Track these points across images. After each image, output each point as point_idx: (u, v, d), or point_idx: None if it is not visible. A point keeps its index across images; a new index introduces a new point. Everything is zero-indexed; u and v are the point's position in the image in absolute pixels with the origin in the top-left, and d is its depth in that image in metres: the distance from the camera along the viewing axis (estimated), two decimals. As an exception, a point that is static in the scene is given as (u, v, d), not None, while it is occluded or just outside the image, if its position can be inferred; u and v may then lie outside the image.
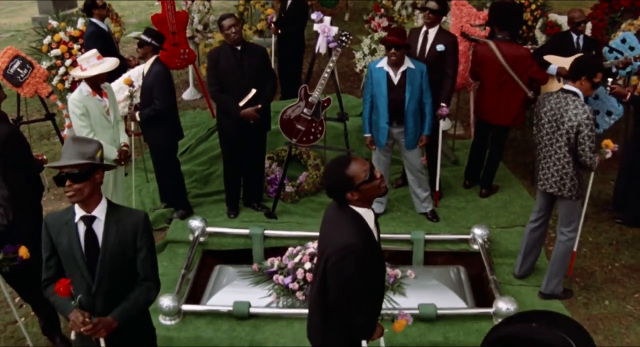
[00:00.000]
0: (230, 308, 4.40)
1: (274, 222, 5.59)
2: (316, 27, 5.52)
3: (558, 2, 8.85)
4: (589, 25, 7.01)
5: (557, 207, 4.58)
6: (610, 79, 5.14)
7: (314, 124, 5.43)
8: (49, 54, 6.70)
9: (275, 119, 5.80)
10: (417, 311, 4.28)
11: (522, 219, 5.50)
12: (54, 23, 6.82)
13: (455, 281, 4.76)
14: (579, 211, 4.51)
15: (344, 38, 5.41)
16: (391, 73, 5.10)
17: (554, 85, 5.73)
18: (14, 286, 4.18)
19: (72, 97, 4.76)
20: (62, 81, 6.75)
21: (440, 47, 5.37)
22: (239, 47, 5.19)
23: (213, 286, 4.75)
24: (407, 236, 5.13)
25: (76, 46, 6.70)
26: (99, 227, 2.82)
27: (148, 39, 5.21)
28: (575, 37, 5.95)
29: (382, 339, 3.21)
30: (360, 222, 2.80)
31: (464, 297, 4.58)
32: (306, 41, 8.27)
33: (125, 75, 5.85)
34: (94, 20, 6.40)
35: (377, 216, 3.02)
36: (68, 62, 6.67)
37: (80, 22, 6.79)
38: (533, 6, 7.56)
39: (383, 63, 5.13)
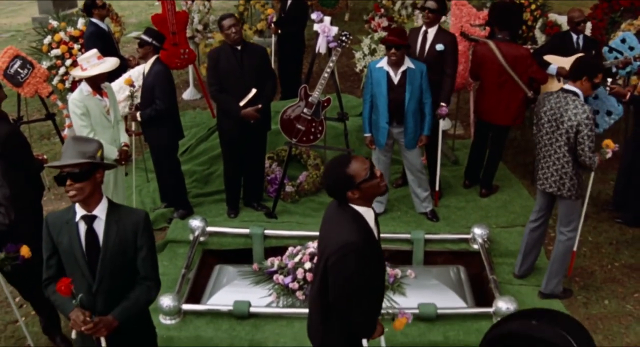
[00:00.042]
0: (231, 308, 4.41)
1: (274, 222, 5.60)
2: (316, 27, 5.52)
3: (558, 2, 8.86)
4: (589, 25, 7.02)
5: (557, 206, 4.58)
6: (609, 79, 5.15)
7: (314, 124, 5.43)
8: (49, 54, 6.71)
9: (275, 119, 5.81)
10: (417, 311, 4.28)
11: (522, 218, 5.51)
12: (55, 23, 6.82)
13: (455, 281, 4.76)
14: (579, 210, 4.52)
15: (344, 38, 5.42)
16: (391, 73, 5.10)
17: (554, 85, 5.73)
18: (15, 285, 4.19)
19: (72, 97, 4.77)
20: (62, 81, 6.75)
21: (439, 47, 5.38)
22: (239, 47, 5.20)
23: (213, 286, 4.75)
24: (407, 236, 5.13)
25: (76, 46, 6.71)
26: (99, 227, 2.83)
27: (149, 39, 5.21)
28: (575, 37, 5.95)
29: (382, 338, 3.22)
30: (361, 220, 2.80)
31: (463, 296, 4.58)
32: (306, 41, 8.27)
33: (125, 76, 5.85)
34: (94, 20, 6.40)
35: (377, 215, 3.03)
36: (68, 62, 6.68)
37: (81, 22, 6.80)
38: (533, 6, 7.56)
39: (383, 63, 5.14)
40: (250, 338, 4.29)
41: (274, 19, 7.89)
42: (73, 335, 2.89)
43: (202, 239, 5.23)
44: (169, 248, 5.30)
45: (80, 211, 2.82)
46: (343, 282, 2.76)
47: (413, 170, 5.50)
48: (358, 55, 7.08)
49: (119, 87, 5.68)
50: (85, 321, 2.73)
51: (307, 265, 4.55)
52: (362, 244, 2.74)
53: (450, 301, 4.49)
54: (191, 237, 5.22)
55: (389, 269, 4.59)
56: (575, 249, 4.64)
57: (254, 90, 5.19)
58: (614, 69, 5.88)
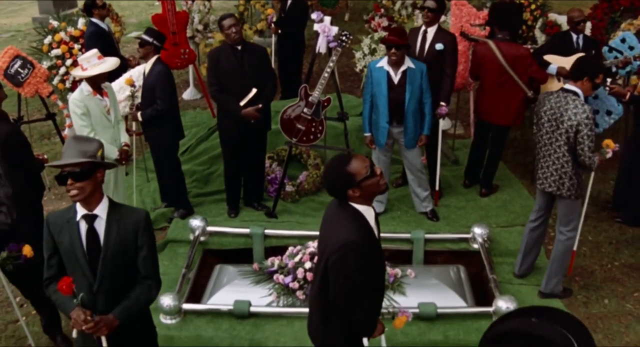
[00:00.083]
0: (231, 307, 4.41)
1: (274, 221, 5.60)
2: (316, 27, 5.53)
3: (558, 2, 8.86)
4: (589, 25, 7.02)
5: (556, 206, 4.58)
6: (609, 80, 5.15)
7: (314, 124, 5.44)
8: (49, 53, 6.72)
9: (275, 119, 5.81)
10: (417, 310, 4.29)
11: (522, 218, 5.52)
12: (55, 23, 6.83)
13: (455, 280, 4.77)
14: (579, 210, 4.52)
15: (344, 38, 5.42)
16: (391, 72, 5.11)
17: (554, 85, 5.74)
18: (17, 284, 4.20)
19: (72, 97, 4.77)
20: (62, 81, 6.76)
21: (439, 46, 5.38)
22: (239, 47, 5.20)
23: (213, 285, 4.76)
24: (407, 235, 5.14)
25: (77, 46, 6.72)
26: (100, 226, 2.83)
27: (150, 39, 5.21)
28: (574, 36, 5.96)
29: (383, 338, 3.23)
30: (361, 219, 2.81)
31: (463, 296, 4.59)
32: (306, 41, 8.28)
33: (126, 75, 5.86)
34: (94, 20, 6.41)
35: (377, 214, 3.03)
36: (69, 62, 6.69)
37: (81, 22, 6.81)
38: (533, 6, 7.57)
39: (383, 62, 5.14)
40: (250, 338, 4.30)
41: (274, 19, 7.90)
42: (74, 334, 2.90)
43: (202, 238, 5.24)
44: (170, 248, 5.30)
45: (81, 210, 2.83)
46: (343, 281, 2.77)
47: (413, 170, 5.51)
48: (358, 55, 7.09)
49: (119, 87, 5.69)
50: (86, 320, 2.74)
51: (308, 265, 4.56)
52: (363, 242, 2.75)
53: (450, 301, 4.49)
54: (191, 237, 5.22)
55: (389, 269, 4.60)
56: (575, 248, 4.65)
57: (254, 90, 5.19)
58: (613, 69, 5.89)
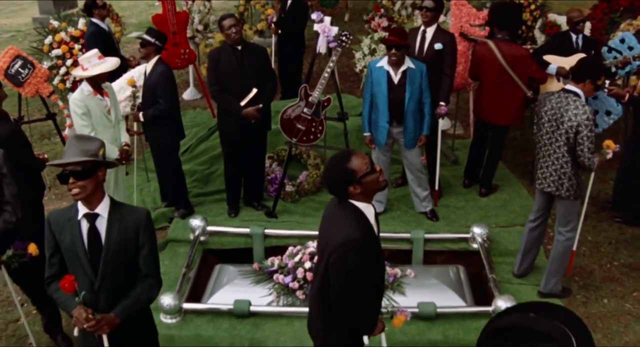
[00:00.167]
0: (231, 307, 4.42)
1: (274, 221, 5.61)
2: (316, 27, 5.54)
3: (557, 2, 8.87)
4: (588, 25, 7.03)
5: (555, 206, 4.59)
6: (607, 81, 5.16)
7: (314, 124, 5.45)
8: (50, 54, 6.73)
9: (275, 119, 5.82)
10: (416, 310, 4.30)
11: (522, 218, 5.52)
12: (55, 23, 6.84)
13: (454, 280, 4.78)
14: (578, 210, 4.53)
15: (344, 38, 5.43)
16: (391, 72, 5.12)
17: (553, 85, 5.75)
18: (19, 283, 4.20)
19: (73, 97, 4.78)
20: (63, 81, 6.77)
21: (438, 46, 5.39)
22: (239, 47, 5.21)
23: (214, 285, 4.77)
24: (407, 235, 5.15)
25: (77, 46, 6.73)
26: (101, 225, 2.84)
27: (151, 39, 5.22)
28: (574, 37, 5.97)
29: (383, 337, 3.24)
30: (361, 217, 2.83)
31: (463, 296, 4.60)
32: (306, 41, 8.29)
33: (126, 76, 5.87)
34: (94, 20, 6.41)
35: (377, 213, 3.05)
36: (69, 62, 6.70)
37: (81, 22, 6.82)
38: (532, 6, 7.58)
39: (383, 62, 5.15)
40: (250, 337, 4.31)
41: (274, 19, 7.91)
42: (75, 333, 2.90)
43: (202, 238, 5.25)
44: (170, 247, 5.31)
45: (82, 209, 2.84)
46: (344, 279, 2.79)
47: (413, 170, 5.52)
48: (358, 55, 7.10)
49: (119, 87, 5.70)
50: (88, 319, 2.75)
51: (307, 264, 4.57)
52: (363, 240, 2.77)
53: (449, 300, 4.50)
54: (192, 237, 5.23)
55: (388, 269, 4.61)
56: (574, 248, 4.66)
57: (254, 90, 5.20)
58: (613, 69, 5.90)
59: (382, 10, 8.25)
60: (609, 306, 4.68)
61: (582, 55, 5.66)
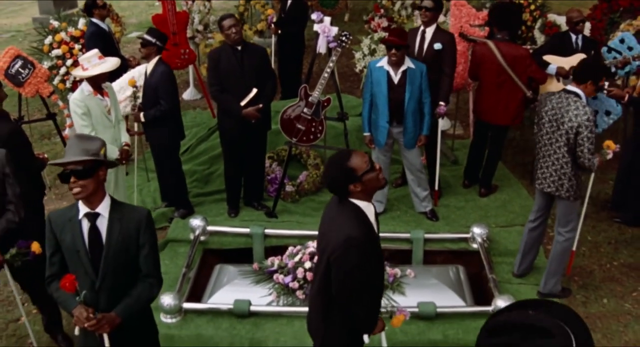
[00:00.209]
0: (231, 306, 4.43)
1: (274, 221, 5.61)
2: (316, 27, 5.55)
3: (557, 3, 8.88)
4: (588, 25, 7.04)
5: (555, 206, 4.60)
6: (607, 83, 5.17)
7: (314, 124, 5.45)
8: (50, 54, 6.73)
9: (275, 119, 5.83)
10: (416, 310, 4.30)
11: (521, 218, 5.53)
12: (56, 23, 6.85)
13: (454, 280, 4.78)
14: (578, 211, 4.53)
15: (344, 38, 5.44)
16: (391, 72, 5.12)
17: (553, 85, 5.76)
18: (19, 282, 4.20)
19: (73, 97, 4.79)
20: (63, 81, 6.78)
21: (437, 46, 5.39)
22: (239, 48, 5.22)
23: (214, 285, 4.77)
24: (407, 235, 5.15)
25: (77, 46, 6.73)
26: (102, 224, 2.85)
27: (152, 40, 5.22)
28: (574, 37, 5.98)
29: (383, 336, 3.25)
30: (361, 215, 2.84)
31: (463, 296, 4.60)
32: (306, 41, 8.29)
33: (126, 76, 5.87)
34: (94, 20, 6.42)
35: (377, 213, 3.05)
36: (69, 62, 6.71)
37: (81, 22, 6.82)
38: (532, 6, 7.59)
39: (383, 62, 5.16)
40: (250, 337, 4.31)
41: (274, 19, 7.91)
42: (76, 332, 2.91)
43: (202, 238, 5.25)
44: (170, 247, 5.32)
45: (83, 209, 2.84)
46: (345, 277, 2.80)
47: (413, 170, 5.52)
48: (358, 55, 7.11)
49: (119, 87, 5.71)
50: (89, 318, 2.75)
51: (307, 264, 4.57)
52: (364, 238, 2.77)
53: (449, 300, 4.51)
54: (192, 237, 5.24)
55: (388, 269, 4.61)
56: (574, 248, 4.66)
57: (254, 90, 5.21)
58: (612, 69, 5.91)
59: (382, 11, 8.26)
60: (609, 306, 4.69)
61: (581, 55, 5.68)
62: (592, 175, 4.53)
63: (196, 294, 4.76)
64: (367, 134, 5.41)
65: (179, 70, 8.27)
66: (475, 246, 5.13)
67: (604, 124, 5.62)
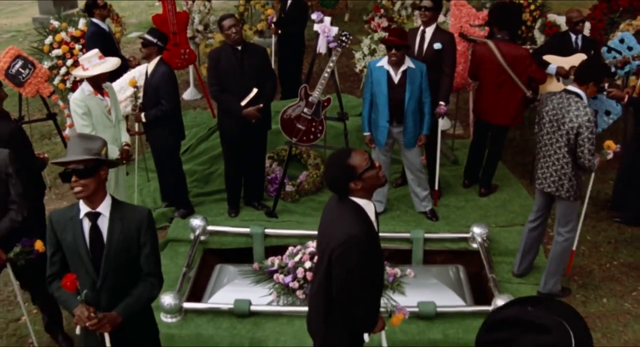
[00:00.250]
0: (231, 306, 4.43)
1: (274, 221, 5.62)
2: (316, 27, 5.55)
3: (557, 3, 8.88)
4: (588, 25, 7.05)
5: (555, 206, 4.60)
6: (607, 84, 5.17)
7: (314, 124, 5.46)
8: (50, 54, 6.74)
9: (275, 119, 5.84)
10: (416, 309, 4.31)
11: (521, 218, 5.54)
12: (56, 23, 6.85)
13: (454, 280, 4.79)
14: (578, 211, 4.54)
15: (344, 38, 5.44)
16: (392, 72, 5.13)
17: (553, 85, 5.77)
18: (20, 281, 4.21)
19: (73, 97, 4.79)
20: (63, 81, 6.78)
21: (437, 46, 5.39)
22: (239, 47, 5.22)
23: (214, 285, 4.78)
24: (407, 235, 5.16)
25: (77, 46, 6.73)
26: (103, 224, 2.86)
27: (153, 40, 5.22)
28: (573, 37, 5.99)
29: (383, 336, 3.25)
30: (362, 213, 2.85)
31: (463, 295, 4.61)
32: (306, 41, 8.30)
33: (127, 76, 5.88)
34: (95, 20, 6.42)
35: (377, 212, 3.06)
36: (69, 62, 6.71)
37: (82, 22, 6.83)
38: (532, 6, 7.59)
39: (383, 62, 5.16)
40: (250, 336, 4.31)
41: (274, 19, 7.92)
42: (77, 331, 2.91)
43: (202, 238, 5.26)
44: (170, 247, 5.32)
45: (84, 208, 2.85)
46: (346, 275, 2.80)
47: (413, 170, 5.53)
48: (358, 55, 7.11)
49: (120, 87, 5.71)
50: (90, 317, 2.76)
51: (307, 264, 4.58)
52: (365, 237, 2.78)
53: (449, 300, 4.51)
54: (192, 236, 5.24)
55: (388, 268, 4.62)
56: (574, 248, 4.67)
57: (255, 90, 5.21)
58: (612, 69, 5.91)
59: (382, 11, 8.27)
60: (608, 306, 4.69)
61: (581, 55, 5.69)
62: (592, 175, 4.53)
63: (196, 294, 4.76)
64: (367, 133, 5.41)
65: (179, 70, 8.27)
66: (475, 245, 5.14)
67: (604, 124, 5.62)
